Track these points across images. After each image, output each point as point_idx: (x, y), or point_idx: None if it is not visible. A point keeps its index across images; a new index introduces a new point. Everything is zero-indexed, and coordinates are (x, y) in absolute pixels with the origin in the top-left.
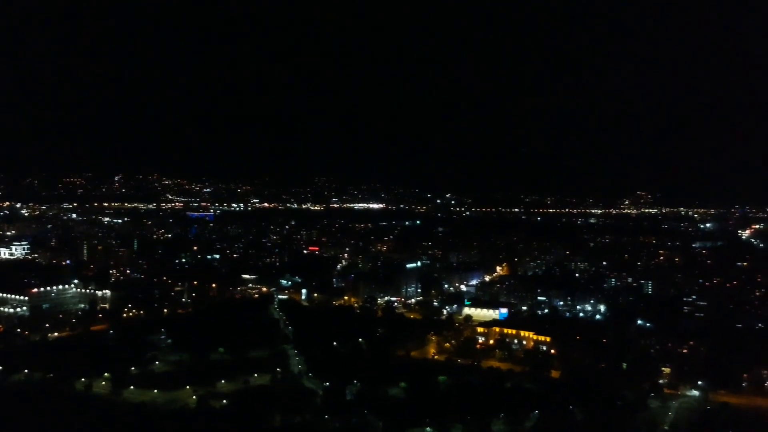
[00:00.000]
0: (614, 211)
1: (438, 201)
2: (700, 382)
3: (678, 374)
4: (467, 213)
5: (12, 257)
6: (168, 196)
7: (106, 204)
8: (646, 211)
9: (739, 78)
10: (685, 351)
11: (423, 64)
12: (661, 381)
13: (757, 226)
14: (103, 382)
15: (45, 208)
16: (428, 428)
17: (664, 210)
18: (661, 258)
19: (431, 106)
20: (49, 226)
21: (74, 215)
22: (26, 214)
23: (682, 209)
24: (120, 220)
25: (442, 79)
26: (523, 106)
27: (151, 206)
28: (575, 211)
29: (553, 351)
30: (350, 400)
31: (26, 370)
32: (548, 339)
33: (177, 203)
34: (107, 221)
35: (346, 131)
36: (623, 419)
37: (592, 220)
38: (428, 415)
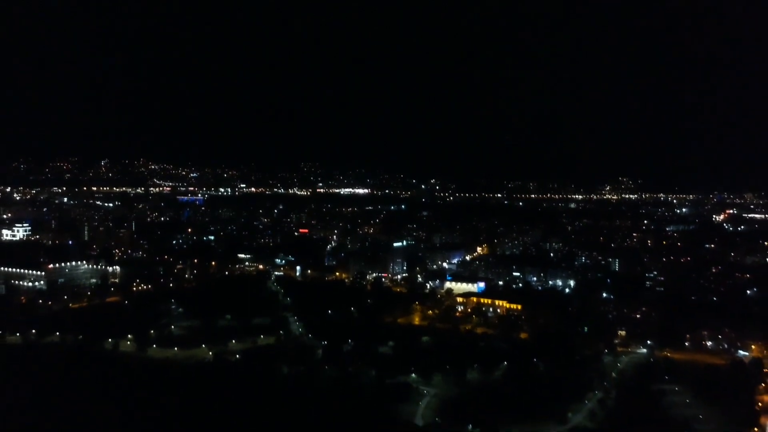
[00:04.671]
0: (595, 197)
1: (423, 186)
2: (649, 342)
3: (631, 336)
4: (451, 198)
5: (14, 238)
6: (155, 180)
7: (95, 188)
8: (627, 196)
9: (721, 67)
10: (638, 317)
11: (408, 51)
12: (615, 341)
13: (731, 211)
14: (128, 343)
15: (35, 192)
16: (413, 375)
17: (644, 196)
18: (634, 240)
19: (416, 93)
20: (45, 209)
21: (65, 199)
22: (18, 198)
23: (661, 195)
24: (111, 204)
25: (427, 67)
26: (508, 93)
27: (139, 190)
28: (557, 196)
29: (523, 317)
30: (346, 355)
31: (57, 333)
32: (519, 307)
33: (165, 188)
34: (99, 204)
35: (331, 117)
36: (578, 370)
37: (573, 205)
38: (413, 366)
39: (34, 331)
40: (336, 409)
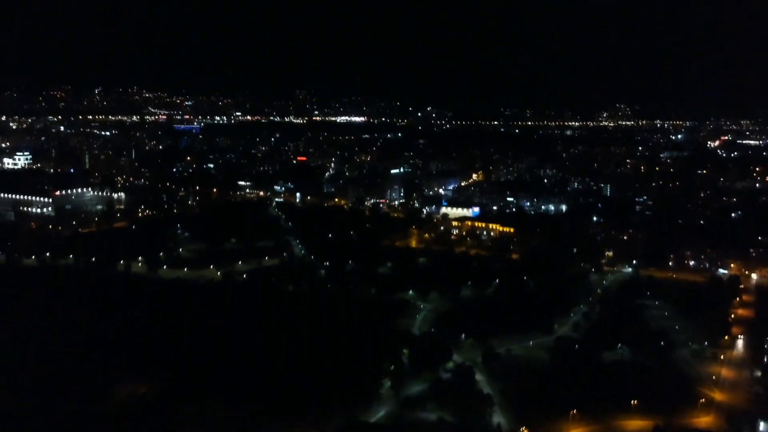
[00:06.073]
0: (592, 124)
1: (419, 114)
2: (634, 261)
3: (617, 256)
4: (447, 126)
5: (16, 167)
6: (150, 108)
7: (90, 117)
8: (623, 123)
9: None
10: (625, 239)
11: None
12: (602, 261)
13: (726, 138)
14: (139, 264)
15: (31, 121)
16: (410, 292)
17: (641, 122)
18: (627, 166)
19: (412, 20)
20: (43, 138)
21: (62, 128)
22: (14, 127)
23: (658, 122)
24: (108, 133)
25: None
26: (505, 20)
27: (134, 119)
28: (553, 123)
29: (515, 239)
30: (347, 274)
31: (71, 256)
32: (512, 230)
33: (160, 116)
34: (96, 133)
35: (326, 44)
36: (565, 286)
37: (569, 132)
38: (411, 284)
39: (48, 254)
40: (339, 321)
